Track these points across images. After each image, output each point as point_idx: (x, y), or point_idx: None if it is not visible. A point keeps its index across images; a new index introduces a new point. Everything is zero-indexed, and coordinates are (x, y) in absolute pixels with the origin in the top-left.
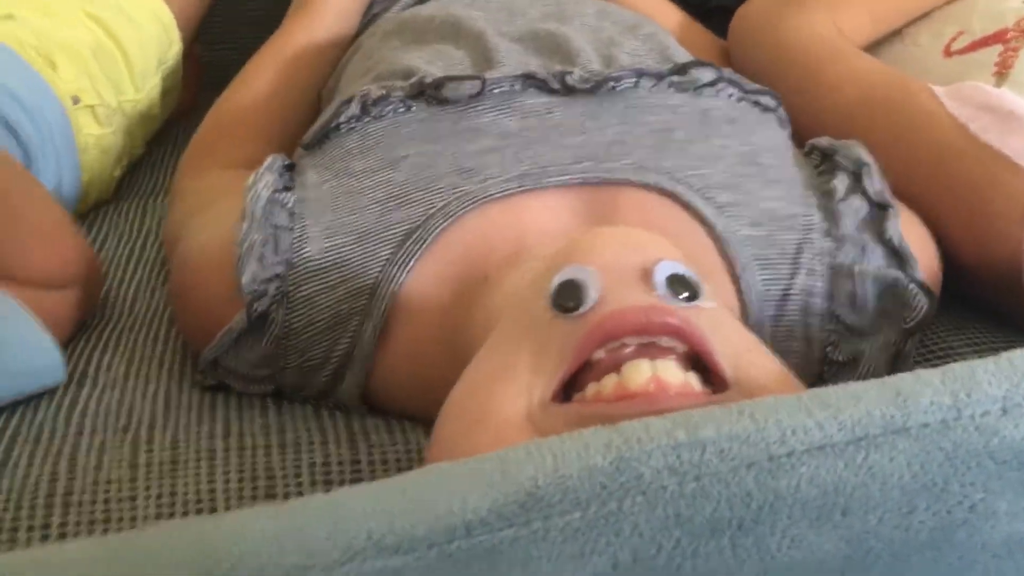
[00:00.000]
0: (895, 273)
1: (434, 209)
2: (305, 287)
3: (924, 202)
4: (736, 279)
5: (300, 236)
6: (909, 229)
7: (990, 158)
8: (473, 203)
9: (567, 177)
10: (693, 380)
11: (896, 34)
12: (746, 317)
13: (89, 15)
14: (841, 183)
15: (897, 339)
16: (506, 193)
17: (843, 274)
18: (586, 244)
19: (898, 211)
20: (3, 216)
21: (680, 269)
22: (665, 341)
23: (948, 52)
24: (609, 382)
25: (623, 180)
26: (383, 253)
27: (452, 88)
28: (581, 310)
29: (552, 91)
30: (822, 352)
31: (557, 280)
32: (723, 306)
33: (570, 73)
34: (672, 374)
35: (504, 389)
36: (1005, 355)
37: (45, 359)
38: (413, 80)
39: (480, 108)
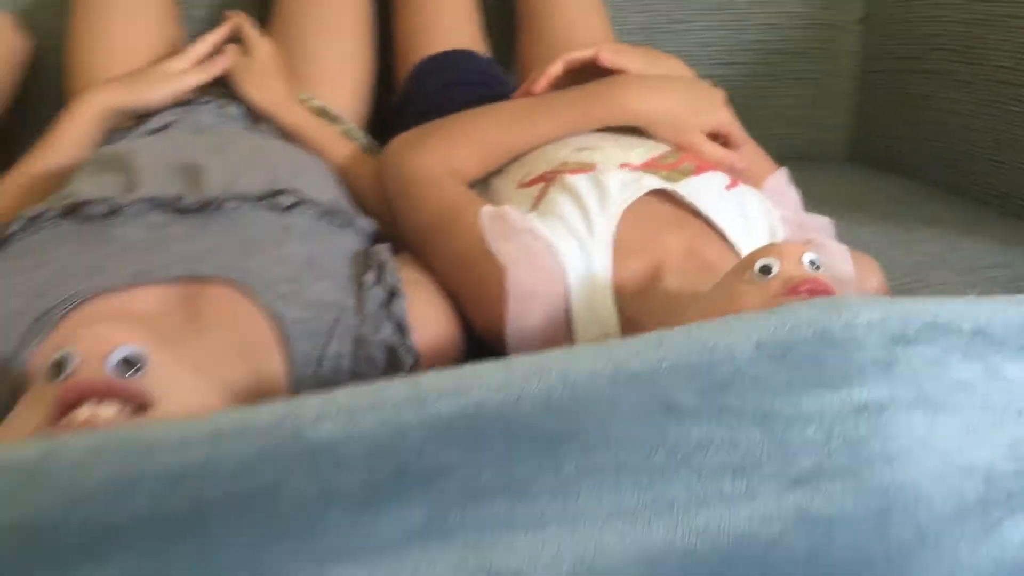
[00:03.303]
0: (396, 340)
1: (62, 299)
2: None
3: (459, 292)
4: (285, 347)
5: None
6: (423, 310)
7: (491, 259)
8: (93, 294)
9: (167, 274)
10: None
11: (498, 171)
12: (292, 375)
13: None
14: (369, 277)
15: None
16: (120, 286)
17: (363, 342)
18: (78, 335)
19: (403, 297)
20: None
21: (130, 351)
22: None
23: (520, 184)
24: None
25: (210, 276)
26: (15, 334)
27: (89, 209)
28: (61, 377)
29: (174, 211)
30: None
31: (54, 356)
32: (175, 371)
33: (184, 198)
34: (104, 411)
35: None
36: None
37: None
38: (66, 203)
39: (115, 222)
